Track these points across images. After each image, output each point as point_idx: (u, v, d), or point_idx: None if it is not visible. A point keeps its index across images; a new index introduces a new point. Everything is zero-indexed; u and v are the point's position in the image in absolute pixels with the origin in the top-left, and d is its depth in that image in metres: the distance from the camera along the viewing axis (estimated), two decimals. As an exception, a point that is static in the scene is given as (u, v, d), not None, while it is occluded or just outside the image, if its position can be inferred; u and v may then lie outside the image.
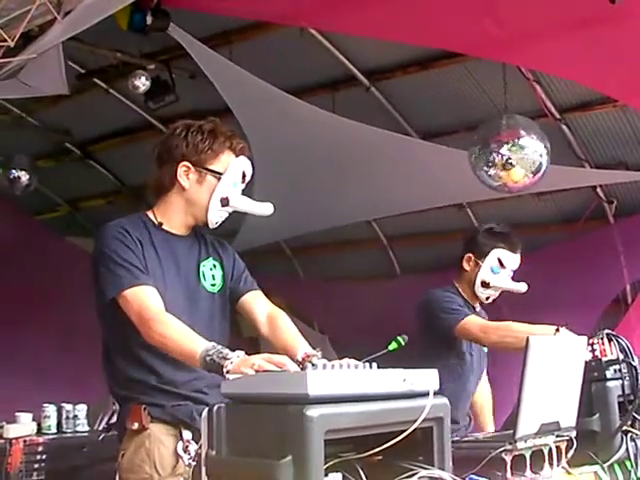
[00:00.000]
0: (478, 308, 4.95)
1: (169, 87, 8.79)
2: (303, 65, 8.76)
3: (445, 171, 8.34)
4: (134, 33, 7.51)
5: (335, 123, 8.17)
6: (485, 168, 7.24)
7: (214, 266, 3.50)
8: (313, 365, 2.46)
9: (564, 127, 8.43)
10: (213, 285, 3.47)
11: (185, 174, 3.36)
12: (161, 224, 3.40)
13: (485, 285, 4.82)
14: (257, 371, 2.60)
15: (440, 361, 4.56)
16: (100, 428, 6.83)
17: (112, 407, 6.54)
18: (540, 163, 7.14)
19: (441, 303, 4.74)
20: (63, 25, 5.46)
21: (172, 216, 3.42)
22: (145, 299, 3.15)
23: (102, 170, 12.08)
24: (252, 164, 3.48)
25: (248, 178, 3.45)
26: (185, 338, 3.01)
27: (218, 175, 3.35)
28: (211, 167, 3.36)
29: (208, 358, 2.84)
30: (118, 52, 8.53)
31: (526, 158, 7.12)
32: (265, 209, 3.41)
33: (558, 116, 8.33)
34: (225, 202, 3.36)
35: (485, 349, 4.99)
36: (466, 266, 4.86)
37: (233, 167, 3.38)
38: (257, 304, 3.52)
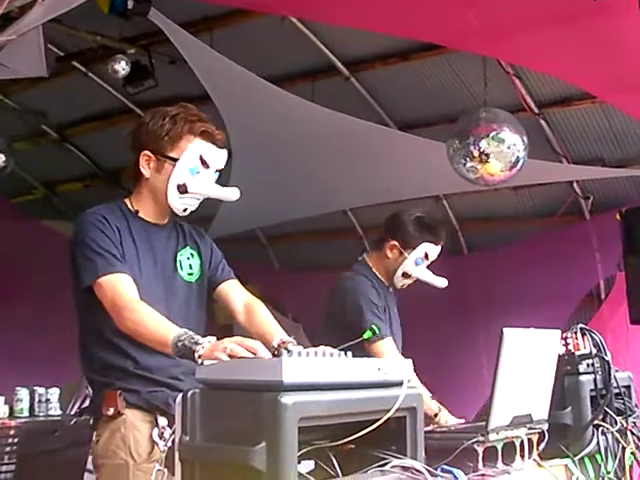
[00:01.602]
0: (391, 289, 4.87)
1: (149, 72, 8.74)
2: (283, 53, 8.74)
3: (423, 163, 8.34)
4: (115, 17, 7.48)
5: (314, 112, 8.15)
6: (463, 161, 7.25)
7: (192, 255, 3.50)
8: (288, 352, 2.47)
9: (542, 122, 8.45)
10: (190, 274, 3.46)
11: (147, 163, 3.32)
12: (137, 212, 3.39)
13: (406, 276, 4.77)
14: (230, 356, 2.61)
15: None
16: (72, 412, 6.82)
17: (85, 391, 6.54)
18: (518, 157, 7.15)
19: (360, 305, 4.59)
20: (44, 7, 5.40)
21: (144, 205, 3.40)
22: (119, 286, 3.14)
23: (79, 154, 11.99)
24: (230, 150, 3.43)
25: (213, 162, 3.33)
26: (158, 325, 3.01)
27: (173, 162, 3.28)
28: (169, 154, 3.29)
29: (179, 343, 2.84)
30: (98, 35, 8.46)
31: (504, 152, 7.13)
32: (230, 194, 3.31)
33: (537, 111, 8.34)
34: (183, 189, 3.29)
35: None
36: (389, 253, 4.74)
37: (188, 152, 3.28)
38: (234, 293, 3.52)
